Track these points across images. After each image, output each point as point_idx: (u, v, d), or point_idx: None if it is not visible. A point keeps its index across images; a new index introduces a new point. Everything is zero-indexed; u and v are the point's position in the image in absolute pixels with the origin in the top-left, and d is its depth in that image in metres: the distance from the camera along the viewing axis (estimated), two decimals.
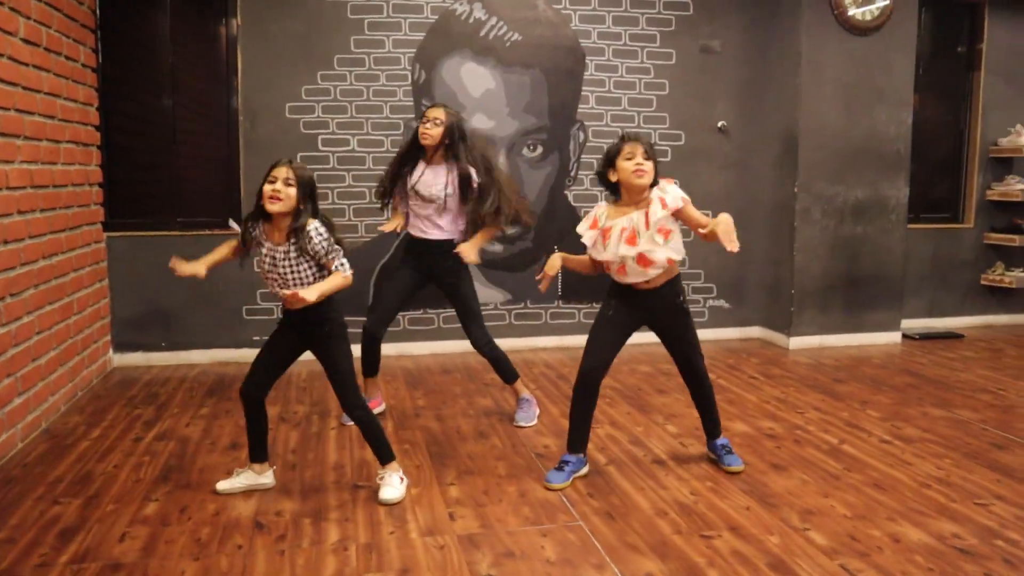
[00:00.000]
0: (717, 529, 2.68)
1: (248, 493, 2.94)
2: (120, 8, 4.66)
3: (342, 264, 2.79)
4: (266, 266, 2.79)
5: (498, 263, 5.31)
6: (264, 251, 2.79)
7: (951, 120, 6.09)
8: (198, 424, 3.76)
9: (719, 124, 5.49)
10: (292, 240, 2.73)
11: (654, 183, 2.94)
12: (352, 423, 3.63)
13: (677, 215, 2.96)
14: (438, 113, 3.55)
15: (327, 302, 2.81)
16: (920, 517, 2.77)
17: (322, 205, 4.86)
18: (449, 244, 3.66)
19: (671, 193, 2.94)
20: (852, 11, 5.20)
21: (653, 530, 2.67)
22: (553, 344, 5.43)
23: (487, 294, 5.31)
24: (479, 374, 4.67)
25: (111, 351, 4.78)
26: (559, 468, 3.06)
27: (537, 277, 3.13)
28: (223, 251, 2.94)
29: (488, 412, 3.99)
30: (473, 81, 5.12)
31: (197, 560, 2.45)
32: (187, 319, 4.88)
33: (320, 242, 2.72)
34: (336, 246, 2.78)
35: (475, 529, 2.67)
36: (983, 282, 6.12)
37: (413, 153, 3.66)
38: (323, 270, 2.79)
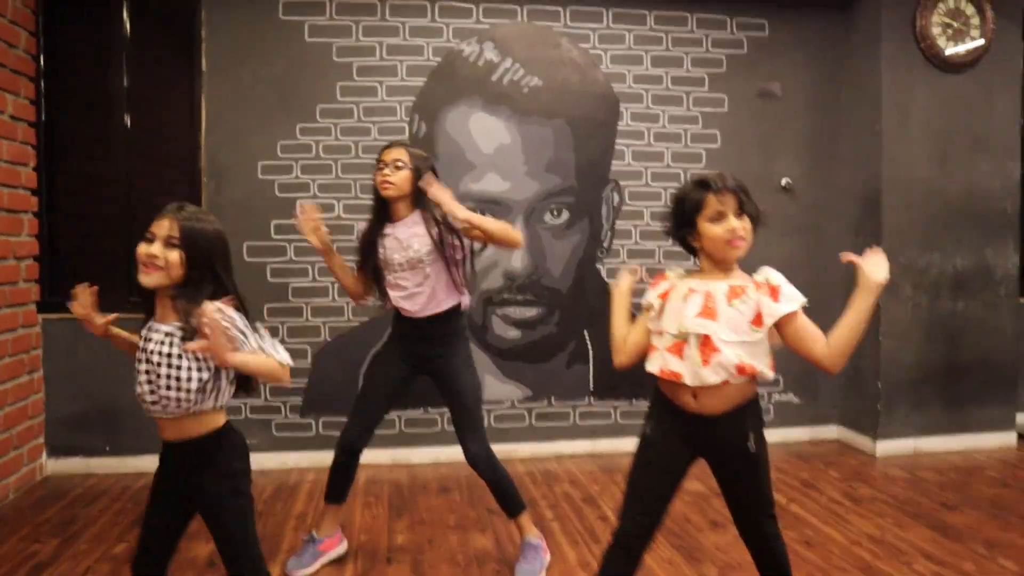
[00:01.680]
0: None
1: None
2: (67, 55, 4.00)
3: (275, 347, 1.92)
4: (147, 355, 1.90)
5: (516, 352, 4.39)
6: (154, 336, 1.90)
7: None
8: (100, 569, 2.87)
9: (783, 182, 4.55)
10: (181, 321, 1.87)
11: None
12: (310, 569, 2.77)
13: (780, 326, 2.01)
14: (399, 154, 2.73)
15: (222, 441, 1.93)
16: None
17: (302, 282, 4.10)
18: (446, 316, 2.83)
19: (784, 292, 2.01)
20: (944, 46, 4.27)
21: None
22: (583, 450, 4.44)
23: (502, 390, 4.39)
24: (484, 496, 3.70)
25: (43, 456, 3.97)
26: None
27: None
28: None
29: (483, 558, 3.01)
30: (484, 134, 4.30)
31: None
32: (138, 418, 4.01)
33: (229, 324, 1.83)
34: (259, 329, 1.93)
35: None
36: None
37: (380, 212, 2.83)
38: (216, 378, 1.89)
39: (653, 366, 2.06)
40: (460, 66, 4.27)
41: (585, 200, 4.40)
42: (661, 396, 2.11)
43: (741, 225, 2.01)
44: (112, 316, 2.08)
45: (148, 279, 1.88)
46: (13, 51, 3.65)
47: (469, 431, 2.82)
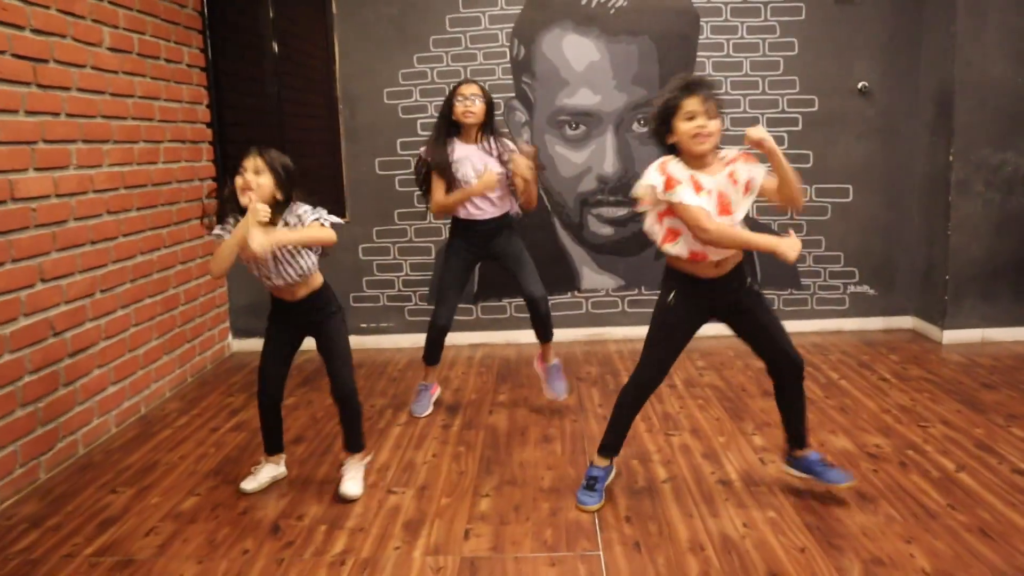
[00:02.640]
0: (752, 573, 2.31)
1: (282, 493, 2.95)
2: (226, 5, 4.82)
3: (323, 220, 2.65)
4: (259, 259, 2.66)
5: (609, 247, 5.00)
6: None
7: None
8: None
9: (859, 85, 4.80)
10: (283, 226, 2.64)
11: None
12: (419, 415, 3.72)
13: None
14: (476, 89, 3.44)
15: (326, 287, 2.82)
16: None
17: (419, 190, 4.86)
18: (506, 218, 3.61)
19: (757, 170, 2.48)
20: None
21: (676, 569, 2.36)
22: None
23: (598, 280, 5.04)
24: (572, 368, 4.44)
25: (229, 337, 5.04)
26: (589, 487, 2.79)
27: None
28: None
29: (565, 412, 3.75)
30: (576, 54, 4.82)
31: (200, 563, 2.47)
32: None
33: (305, 211, 2.64)
34: (321, 209, 2.69)
35: (483, 551, 2.49)
36: None
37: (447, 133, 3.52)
38: (305, 256, 2.72)
39: (680, 249, 2.52)
40: None
41: None
42: (680, 272, 2.60)
43: (711, 124, 2.37)
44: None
45: (243, 199, 2.61)
46: (184, 11, 4.49)
47: (534, 281, 3.61)
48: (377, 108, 4.87)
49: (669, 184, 2.41)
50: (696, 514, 2.70)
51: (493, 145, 3.51)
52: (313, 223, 2.63)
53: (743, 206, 2.49)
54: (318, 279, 2.83)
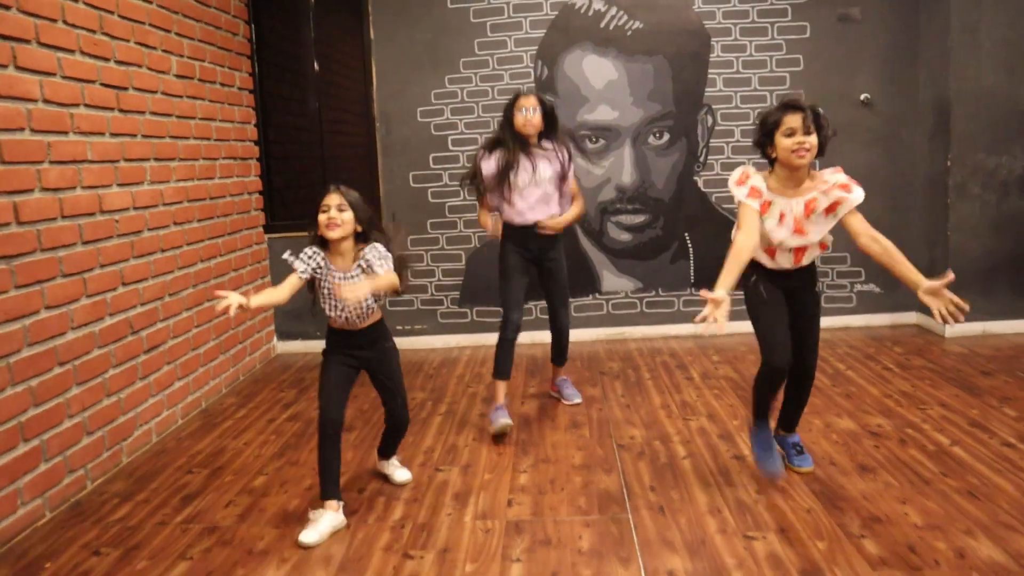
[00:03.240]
0: (764, 530, 2.63)
1: (342, 472, 3.28)
2: (271, 29, 5.22)
3: (386, 267, 2.76)
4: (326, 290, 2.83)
5: (627, 252, 5.34)
6: (335, 278, 2.79)
7: None
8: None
9: (862, 97, 5.13)
10: (359, 264, 2.80)
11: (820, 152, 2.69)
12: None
13: (842, 221, 2.72)
14: (534, 101, 3.60)
15: (383, 322, 2.96)
16: (1005, 532, 2.54)
17: (455, 201, 5.26)
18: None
19: (855, 191, 2.69)
20: None
21: (697, 527, 2.68)
22: (687, 332, 5.38)
23: (617, 283, 5.38)
24: (596, 363, 4.77)
25: (275, 339, 5.41)
26: (766, 450, 2.94)
27: (703, 320, 2.60)
28: (277, 296, 2.76)
29: (591, 402, 4.08)
30: (595, 73, 5.18)
31: (277, 528, 2.82)
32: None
33: (375, 256, 2.76)
34: (389, 255, 2.82)
35: (526, 516, 2.83)
36: None
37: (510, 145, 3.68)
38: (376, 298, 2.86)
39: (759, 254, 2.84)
40: (573, 17, 5.13)
41: (683, 123, 5.21)
42: (761, 265, 2.86)
43: (808, 140, 2.60)
44: (255, 300, 2.69)
45: (333, 233, 2.74)
46: (236, 39, 4.89)
47: (565, 304, 3.91)
48: (411, 125, 5.25)
49: (742, 181, 2.77)
50: (714, 483, 3.02)
51: (554, 148, 3.70)
52: (389, 272, 2.75)
53: (818, 229, 2.73)
54: (379, 312, 2.96)
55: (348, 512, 2.90)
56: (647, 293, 5.40)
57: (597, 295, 5.39)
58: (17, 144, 2.90)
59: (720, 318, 2.54)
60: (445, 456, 3.44)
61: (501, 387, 3.78)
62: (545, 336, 5.32)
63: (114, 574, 2.56)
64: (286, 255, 2.86)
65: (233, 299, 2.50)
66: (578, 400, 4.06)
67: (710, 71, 5.16)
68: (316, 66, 5.27)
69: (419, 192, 5.30)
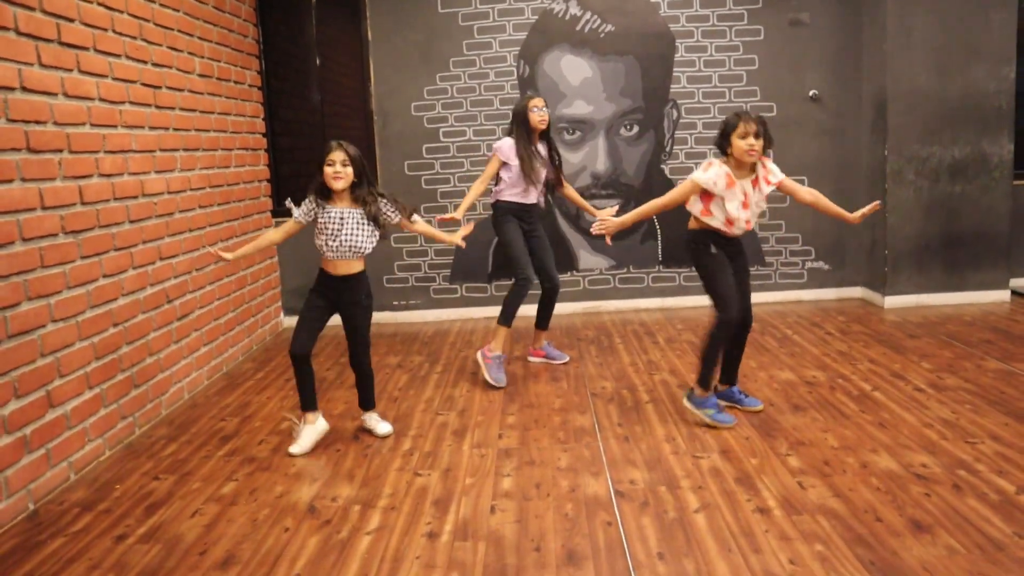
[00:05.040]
0: (709, 452, 3.22)
1: (353, 418, 3.84)
2: (276, 31, 5.73)
3: (419, 216, 3.56)
4: (333, 227, 3.30)
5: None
6: (334, 214, 3.30)
7: None
8: (335, 369, 4.75)
9: (811, 93, 5.73)
10: (361, 207, 3.34)
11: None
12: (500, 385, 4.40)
13: (778, 187, 3.46)
14: (542, 102, 4.24)
15: (366, 275, 3.48)
16: (902, 450, 3.14)
17: (446, 187, 5.80)
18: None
19: (774, 171, 3.43)
20: None
21: (655, 450, 3.26)
22: (655, 306, 5.97)
23: (592, 261, 5.95)
24: (581, 331, 5.35)
25: (282, 314, 5.93)
26: (718, 409, 3.52)
27: (599, 230, 3.60)
28: (268, 238, 3.51)
29: (568, 362, 4.65)
30: (572, 71, 5.74)
31: (305, 458, 3.37)
32: None
33: (392, 214, 3.41)
34: (400, 206, 3.45)
35: (514, 445, 3.40)
36: None
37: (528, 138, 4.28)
38: (377, 231, 3.41)
39: (717, 222, 3.42)
40: (552, 21, 5.69)
41: (651, 117, 5.78)
42: (713, 234, 3.45)
43: (757, 143, 3.28)
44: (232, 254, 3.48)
45: (338, 185, 3.31)
46: (247, 40, 5.40)
47: (554, 267, 4.48)
48: (405, 119, 5.78)
49: (706, 168, 3.38)
50: (671, 421, 3.60)
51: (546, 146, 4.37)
52: (420, 222, 3.56)
53: (756, 202, 3.41)
54: (361, 264, 3.44)
55: (364, 446, 3.46)
56: (620, 270, 5.98)
57: (574, 272, 5.97)
58: (81, 136, 3.41)
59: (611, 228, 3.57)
60: (443, 404, 4.00)
61: (539, 335, 4.63)
62: (527, 310, 5.91)
63: (175, 492, 3.10)
64: (287, 202, 3.42)
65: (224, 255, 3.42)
66: (566, 359, 4.63)
67: (675, 70, 5.74)
68: (318, 64, 5.79)
69: (413, 179, 5.84)
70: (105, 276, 3.57)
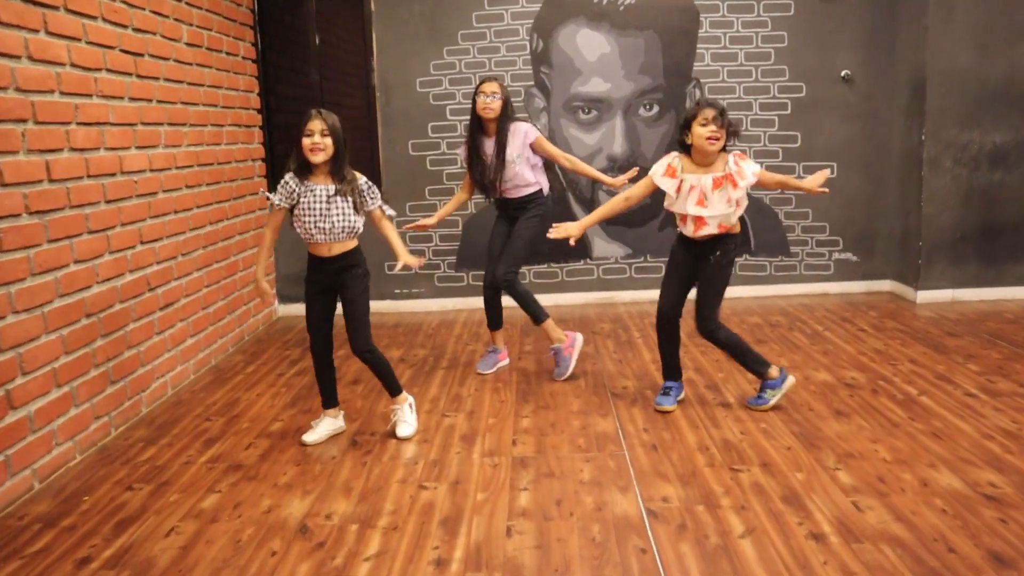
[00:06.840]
0: (749, 464, 2.88)
1: (352, 419, 3.50)
2: (273, 3, 5.35)
3: (385, 209, 3.18)
4: (320, 206, 3.00)
5: (618, 219, 5.55)
6: (319, 192, 3.00)
7: None
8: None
9: (842, 73, 5.36)
10: (341, 182, 3.01)
11: (724, 149, 3.19)
12: (491, 371, 4.12)
13: (760, 184, 3.25)
14: (495, 87, 3.81)
15: (359, 250, 3.15)
16: (964, 465, 2.81)
17: (452, 169, 5.45)
18: (529, 196, 4.00)
19: (746, 172, 3.17)
20: None
21: (688, 461, 2.93)
22: None
23: (607, 248, 5.61)
24: (591, 323, 5.01)
25: (276, 303, 5.59)
26: (665, 393, 3.48)
27: (555, 236, 3.38)
28: (266, 244, 3.23)
29: (584, 357, 4.30)
30: (589, 47, 5.37)
31: (297, 466, 3.04)
32: None
33: (371, 199, 3.09)
34: (376, 190, 3.13)
35: (529, 453, 3.06)
36: None
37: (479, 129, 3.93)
38: (359, 211, 3.09)
39: (678, 218, 3.34)
40: None
41: (672, 96, 5.42)
42: (680, 233, 3.39)
43: (719, 131, 3.10)
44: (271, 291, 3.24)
45: (317, 158, 2.98)
46: (240, 8, 5.02)
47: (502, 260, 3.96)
48: (410, 96, 5.42)
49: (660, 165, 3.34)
50: (702, 426, 3.26)
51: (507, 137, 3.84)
52: (390, 223, 3.22)
53: (720, 201, 3.18)
54: (355, 241, 3.14)
55: (364, 451, 3.13)
56: (636, 259, 5.63)
57: (588, 260, 5.62)
58: (49, 105, 3.06)
59: (573, 232, 3.40)
60: (450, 404, 3.67)
61: (497, 335, 4.22)
62: (539, 299, 5.57)
63: (149, 505, 2.77)
64: (262, 191, 3.12)
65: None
66: (505, 363, 4.22)
67: (698, 46, 5.37)
68: (317, 38, 5.41)
69: (418, 160, 5.48)
70: (77, 262, 3.22)
